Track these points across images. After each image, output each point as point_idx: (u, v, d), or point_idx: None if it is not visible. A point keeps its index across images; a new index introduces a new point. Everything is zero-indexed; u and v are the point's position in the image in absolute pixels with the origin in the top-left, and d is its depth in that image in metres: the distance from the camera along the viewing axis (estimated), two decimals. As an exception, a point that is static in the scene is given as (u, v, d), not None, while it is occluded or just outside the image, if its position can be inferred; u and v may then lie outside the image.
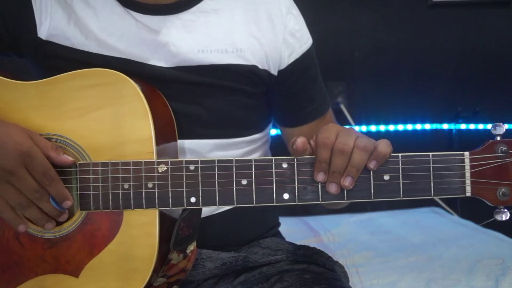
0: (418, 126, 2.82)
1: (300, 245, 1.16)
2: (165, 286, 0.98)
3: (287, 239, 1.23)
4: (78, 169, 0.92)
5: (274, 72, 1.10)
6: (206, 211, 1.05)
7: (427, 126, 2.83)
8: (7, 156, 0.86)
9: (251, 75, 1.08)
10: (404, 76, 2.88)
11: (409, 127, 2.81)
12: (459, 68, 2.88)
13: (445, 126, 2.83)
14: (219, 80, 1.05)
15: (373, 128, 2.80)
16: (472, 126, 2.79)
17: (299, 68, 1.12)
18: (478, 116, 2.75)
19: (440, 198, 2.73)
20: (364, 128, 2.80)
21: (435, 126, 2.83)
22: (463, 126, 2.79)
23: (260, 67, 1.08)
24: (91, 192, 0.92)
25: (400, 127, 2.81)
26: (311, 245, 1.16)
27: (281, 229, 1.25)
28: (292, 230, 2.19)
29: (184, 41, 1.04)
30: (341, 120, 2.77)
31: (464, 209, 2.74)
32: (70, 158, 0.91)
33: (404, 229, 2.30)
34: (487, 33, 2.88)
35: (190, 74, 1.04)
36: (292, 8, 1.12)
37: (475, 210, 2.50)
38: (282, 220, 1.27)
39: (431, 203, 2.71)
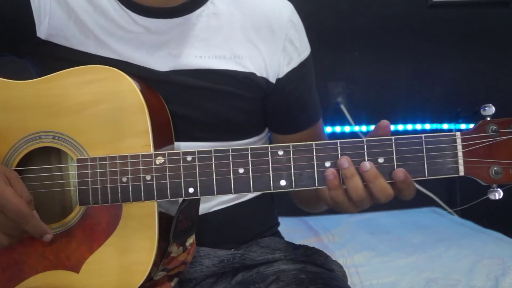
0: (418, 126, 2.82)
1: (299, 245, 1.15)
2: (165, 279, 0.99)
3: (287, 238, 1.23)
4: (76, 164, 0.93)
5: (273, 80, 1.10)
6: (204, 208, 1.05)
7: (427, 126, 2.83)
8: None
9: (249, 81, 1.07)
10: (404, 76, 2.88)
11: (409, 127, 2.81)
12: (459, 68, 2.88)
13: (445, 126, 2.83)
14: (217, 85, 1.05)
15: (373, 128, 2.80)
16: (472, 126, 2.78)
17: (296, 77, 1.11)
18: (478, 116, 2.74)
19: (440, 198, 2.73)
20: (364, 128, 2.80)
21: (435, 126, 2.83)
22: (463, 126, 2.79)
23: (258, 74, 1.08)
24: (90, 187, 0.92)
25: (400, 127, 2.81)
26: (311, 245, 1.16)
27: (280, 229, 1.25)
28: (292, 230, 2.19)
29: (183, 46, 1.04)
30: (341, 120, 2.77)
31: (464, 209, 2.74)
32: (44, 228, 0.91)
33: (404, 229, 2.30)
34: (487, 33, 2.89)
35: (188, 77, 1.04)
36: (293, 17, 1.11)
37: (475, 210, 2.51)
38: (282, 220, 1.27)
39: (431, 203, 2.71)
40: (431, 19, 2.87)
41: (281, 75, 1.10)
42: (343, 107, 2.79)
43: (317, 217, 2.54)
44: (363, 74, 2.87)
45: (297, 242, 1.17)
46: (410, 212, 2.56)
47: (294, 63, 1.11)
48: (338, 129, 2.78)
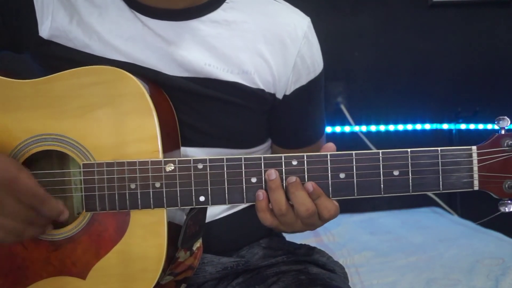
0: (418, 126, 2.82)
1: (301, 244, 1.15)
2: (173, 285, 0.98)
3: (288, 239, 1.22)
4: (82, 169, 0.91)
5: (280, 96, 1.07)
6: (208, 216, 1.03)
7: (427, 126, 2.83)
8: None
9: (257, 96, 1.05)
10: (404, 76, 2.87)
11: (409, 127, 2.81)
12: (459, 68, 2.88)
13: (445, 126, 2.83)
14: (224, 95, 1.03)
15: (373, 128, 2.80)
16: (472, 126, 2.79)
17: (303, 95, 1.08)
18: (478, 116, 2.76)
19: (440, 198, 2.73)
20: (364, 128, 2.79)
21: (435, 126, 2.83)
22: (463, 126, 2.79)
23: (266, 90, 1.05)
24: (97, 193, 0.90)
25: (400, 127, 2.81)
26: (311, 245, 1.16)
27: (281, 229, 1.25)
28: (292, 230, 2.19)
29: (191, 51, 1.01)
30: (341, 120, 2.78)
31: (464, 209, 2.75)
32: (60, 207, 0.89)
33: (404, 229, 2.30)
34: (487, 33, 2.89)
35: (195, 84, 1.02)
36: (309, 33, 1.06)
37: (475, 210, 2.51)
38: (283, 220, 1.27)
39: (431, 203, 2.72)
40: (431, 19, 2.87)
41: (288, 92, 1.07)
42: (343, 107, 2.78)
43: (317, 217, 2.54)
44: (363, 74, 2.87)
45: (298, 242, 1.17)
46: (410, 212, 2.57)
47: (303, 81, 1.07)
48: (338, 129, 2.78)
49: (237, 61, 1.02)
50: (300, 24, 1.06)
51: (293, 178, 0.88)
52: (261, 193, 0.89)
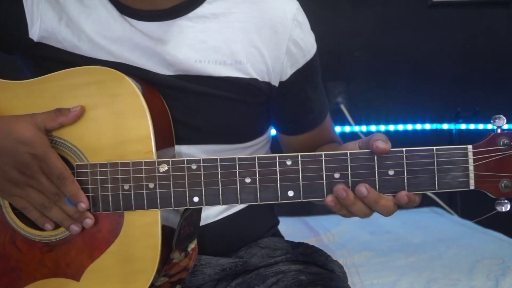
0: (418, 126, 2.82)
1: (299, 243, 1.15)
2: (168, 286, 0.97)
3: (287, 238, 1.22)
4: (75, 170, 0.90)
5: (275, 83, 1.06)
6: (204, 218, 1.03)
7: (427, 126, 2.83)
8: (23, 163, 0.86)
9: (251, 87, 1.04)
10: (404, 76, 2.88)
11: (409, 127, 2.81)
12: (459, 68, 2.88)
13: (445, 126, 2.83)
14: (217, 91, 1.02)
15: (373, 128, 2.80)
16: (472, 126, 2.79)
17: (301, 78, 1.08)
18: (478, 116, 2.75)
19: (440, 198, 2.73)
20: (364, 128, 2.80)
21: (435, 126, 2.83)
22: (463, 126, 2.79)
23: (260, 79, 1.04)
24: (90, 194, 0.90)
25: (400, 127, 2.81)
26: (310, 244, 1.15)
27: (281, 229, 1.24)
28: (292, 230, 2.19)
29: (181, 50, 1.01)
30: (341, 120, 2.78)
31: (464, 209, 2.74)
32: (78, 108, 0.91)
33: (404, 229, 2.30)
34: (487, 33, 2.89)
35: (187, 83, 1.01)
36: (298, 15, 1.05)
37: (475, 210, 2.51)
38: (282, 220, 1.26)
39: (431, 203, 2.72)
40: (431, 19, 2.87)
41: (284, 78, 1.06)
42: (343, 107, 2.78)
43: (317, 217, 2.54)
44: (363, 74, 2.87)
45: (296, 241, 1.17)
46: (410, 212, 2.56)
47: (299, 64, 1.06)
48: (338, 129, 2.77)
49: (229, 51, 1.02)
50: (288, 8, 1.06)
51: (363, 192, 0.86)
52: (330, 201, 0.87)
